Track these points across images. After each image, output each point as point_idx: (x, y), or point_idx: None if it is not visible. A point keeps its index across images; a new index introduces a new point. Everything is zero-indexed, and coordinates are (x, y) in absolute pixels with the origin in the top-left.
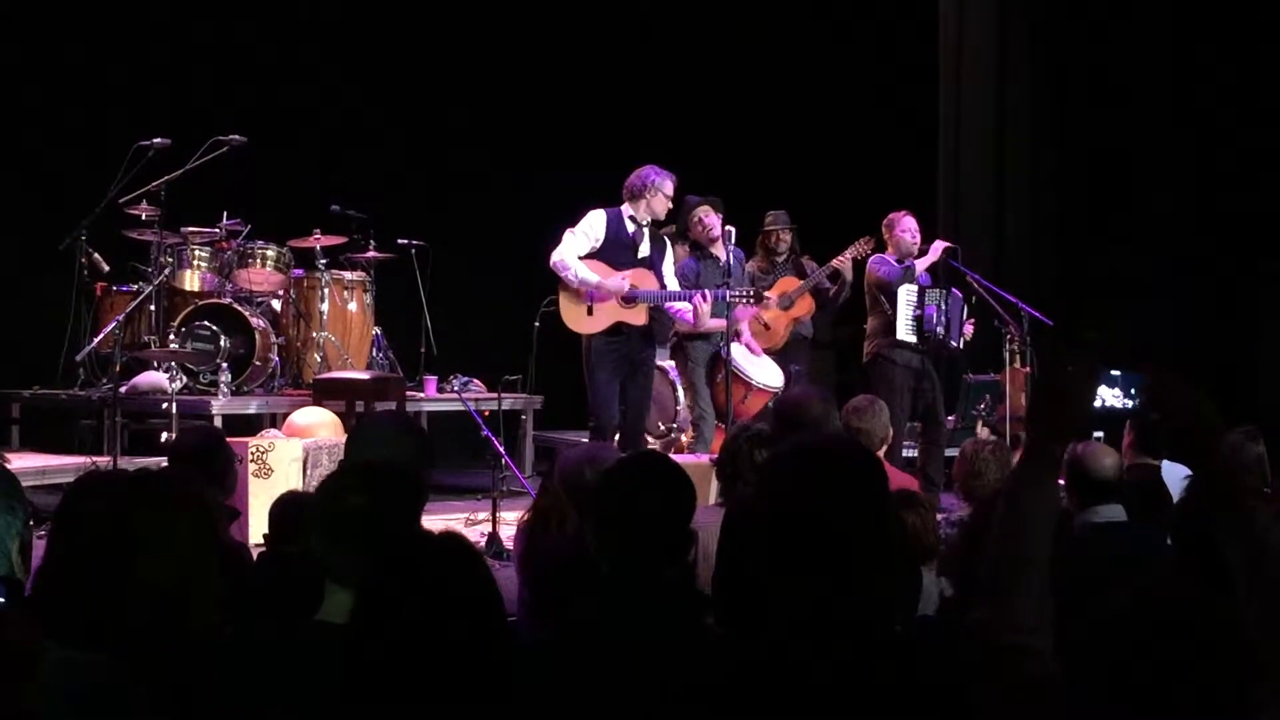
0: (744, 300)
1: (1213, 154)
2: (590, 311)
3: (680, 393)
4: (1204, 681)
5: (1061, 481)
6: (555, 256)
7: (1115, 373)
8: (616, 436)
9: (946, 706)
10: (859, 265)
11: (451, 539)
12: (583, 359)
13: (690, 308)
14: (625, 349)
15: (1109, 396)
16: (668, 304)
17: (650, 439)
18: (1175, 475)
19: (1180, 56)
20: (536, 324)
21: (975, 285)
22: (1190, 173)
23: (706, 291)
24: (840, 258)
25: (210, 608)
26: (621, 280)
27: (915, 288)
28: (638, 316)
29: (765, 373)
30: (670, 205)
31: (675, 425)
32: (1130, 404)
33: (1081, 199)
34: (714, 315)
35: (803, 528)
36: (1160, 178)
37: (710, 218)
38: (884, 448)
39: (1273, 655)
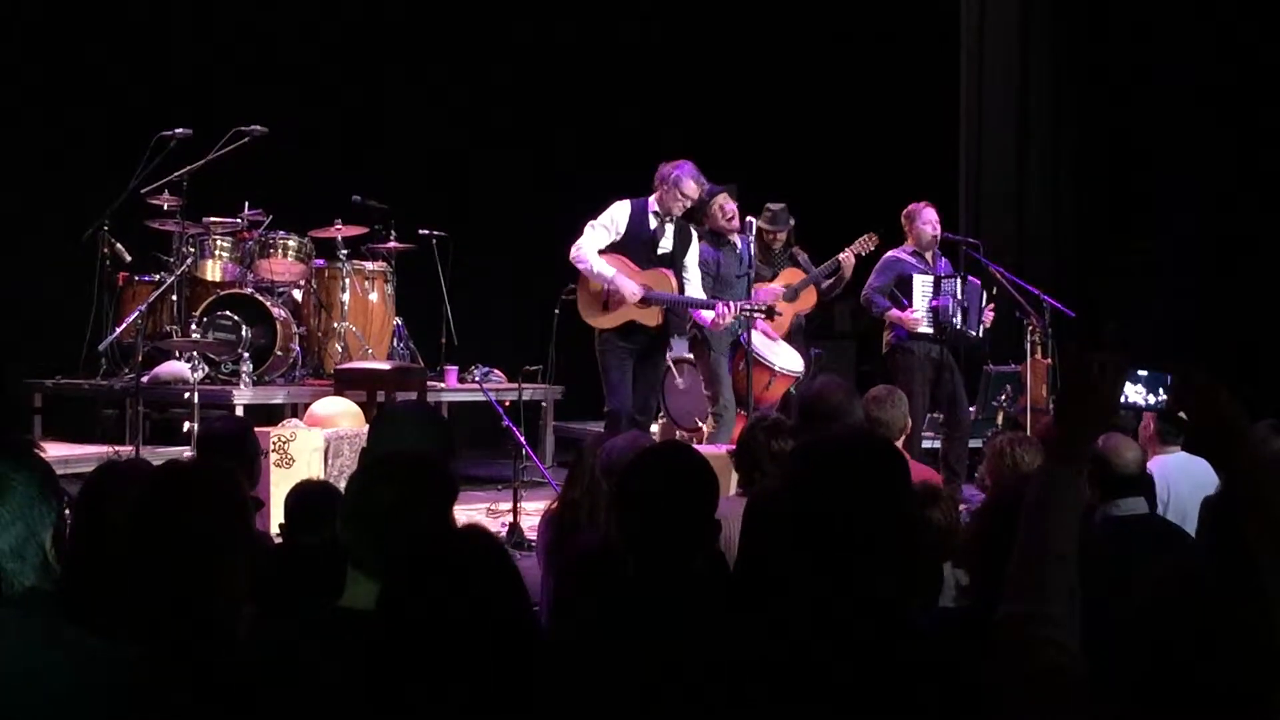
0: (759, 316)
1: (1236, 141)
2: (606, 307)
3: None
4: (1227, 678)
5: None
6: (575, 250)
7: (1141, 371)
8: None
9: (963, 696)
10: (860, 261)
11: (475, 531)
12: (596, 349)
13: (712, 316)
14: (636, 346)
15: (1132, 393)
16: (693, 310)
17: (684, 432)
18: (1183, 468)
19: (1205, 37)
20: (557, 311)
21: (998, 277)
22: (1213, 159)
23: (732, 304)
24: (844, 253)
25: (235, 598)
26: (637, 287)
27: (931, 278)
28: (651, 318)
29: (786, 358)
30: (685, 205)
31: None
32: (1155, 401)
33: (1103, 187)
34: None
35: (826, 520)
36: (1182, 165)
37: (730, 205)
38: (903, 438)
39: None
